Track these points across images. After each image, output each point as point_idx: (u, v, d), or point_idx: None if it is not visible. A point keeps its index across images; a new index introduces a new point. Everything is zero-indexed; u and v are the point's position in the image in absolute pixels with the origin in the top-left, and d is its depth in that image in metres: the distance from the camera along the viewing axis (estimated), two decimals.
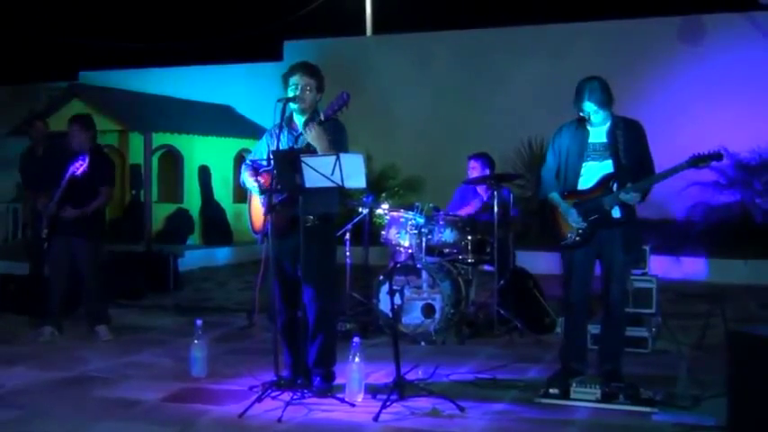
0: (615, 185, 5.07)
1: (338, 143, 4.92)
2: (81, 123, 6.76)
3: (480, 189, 7.58)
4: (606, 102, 5.06)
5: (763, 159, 11.74)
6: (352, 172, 4.73)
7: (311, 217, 4.92)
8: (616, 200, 5.05)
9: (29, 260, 8.72)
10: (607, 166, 5.10)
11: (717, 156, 5.00)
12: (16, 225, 14.00)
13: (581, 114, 5.13)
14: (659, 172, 5.07)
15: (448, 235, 7.01)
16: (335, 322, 5.54)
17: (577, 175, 5.16)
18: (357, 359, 4.89)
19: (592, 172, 5.14)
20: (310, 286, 4.97)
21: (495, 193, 6.93)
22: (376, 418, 4.53)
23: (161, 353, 6.27)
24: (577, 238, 5.15)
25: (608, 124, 5.13)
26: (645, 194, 5.10)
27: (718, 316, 6.69)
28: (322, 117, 4.93)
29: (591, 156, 5.14)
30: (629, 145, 5.07)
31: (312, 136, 4.88)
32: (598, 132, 5.15)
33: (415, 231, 6.94)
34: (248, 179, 5.17)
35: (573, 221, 5.13)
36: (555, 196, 5.24)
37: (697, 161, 5.00)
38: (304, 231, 4.79)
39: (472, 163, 7.61)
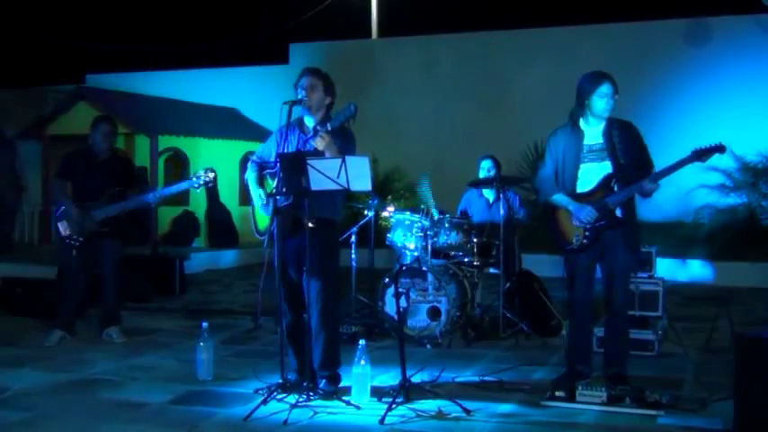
0: (616, 186, 5.05)
1: (347, 150, 4.93)
2: (109, 124, 6.84)
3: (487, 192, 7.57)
4: None
5: None
6: (358, 174, 4.73)
7: (315, 219, 4.92)
8: (640, 190, 4.98)
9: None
10: (606, 167, 5.07)
11: (719, 148, 4.97)
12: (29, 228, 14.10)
13: (572, 116, 5.13)
14: (668, 165, 4.98)
15: (453, 237, 7.00)
16: (338, 323, 5.54)
17: (575, 177, 5.13)
18: (363, 362, 4.89)
19: (590, 174, 5.11)
20: (312, 287, 4.97)
21: (502, 195, 6.93)
22: (382, 421, 4.53)
23: (167, 355, 6.28)
24: (584, 241, 5.09)
25: (602, 125, 5.12)
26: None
27: (724, 319, 6.68)
28: (329, 127, 4.92)
29: (588, 157, 5.11)
30: (626, 145, 5.05)
31: (322, 144, 4.87)
32: (593, 134, 5.13)
33: (421, 234, 6.95)
34: (253, 187, 5.20)
35: (587, 215, 5.03)
36: (561, 197, 5.17)
37: (700, 154, 4.98)
38: (307, 233, 4.80)
39: (483, 163, 7.59)
